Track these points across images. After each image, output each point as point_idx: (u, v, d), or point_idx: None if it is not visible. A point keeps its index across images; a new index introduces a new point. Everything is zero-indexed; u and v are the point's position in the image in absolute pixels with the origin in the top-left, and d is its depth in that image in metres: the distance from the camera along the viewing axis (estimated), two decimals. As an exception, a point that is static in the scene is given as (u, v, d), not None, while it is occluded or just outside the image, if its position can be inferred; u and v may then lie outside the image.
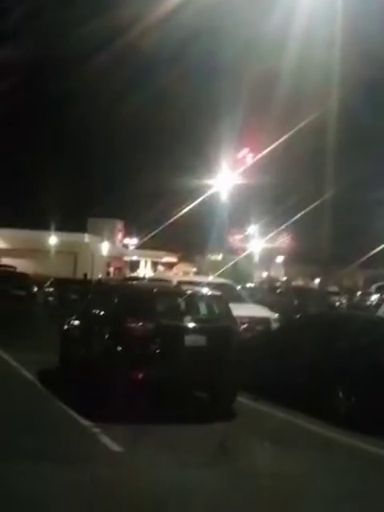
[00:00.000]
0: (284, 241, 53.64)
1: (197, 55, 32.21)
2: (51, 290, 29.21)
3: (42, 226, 50.42)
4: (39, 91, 38.58)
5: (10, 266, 40.69)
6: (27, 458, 6.18)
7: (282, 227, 46.94)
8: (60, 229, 51.16)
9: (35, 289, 28.66)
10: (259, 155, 38.08)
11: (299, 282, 44.53)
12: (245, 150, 42.31)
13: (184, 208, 39.62)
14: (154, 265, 63.72)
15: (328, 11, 14.59)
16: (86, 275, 35.88)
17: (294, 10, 15.56)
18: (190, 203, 39.33)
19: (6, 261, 46.90)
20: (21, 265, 42.00)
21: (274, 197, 46.23)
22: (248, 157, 41.86)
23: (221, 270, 36.10)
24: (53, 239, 52.15)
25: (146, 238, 50.69)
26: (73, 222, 51.76)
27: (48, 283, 30.28)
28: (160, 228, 42.75)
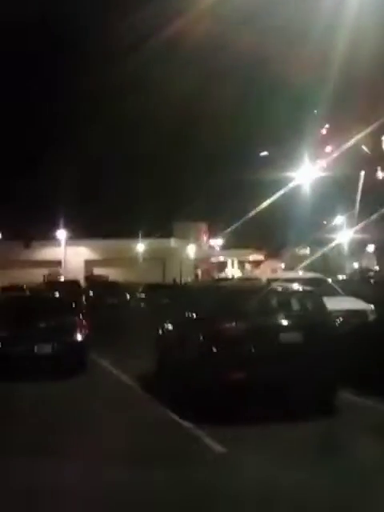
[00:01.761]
0: (374, 230, 51.92)
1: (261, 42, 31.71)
2: (143, 296, 29.79)
3: (130, 234, 51.62)
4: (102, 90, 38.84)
5: (103, 276, 42.00)
6: (131, 462, 6.35)
7: (372, 217, 45.57)
8: (147, 236, 52.15)
9: (128, 296, 29.35)
10: (342, 147, 37.14)
11: (393, 271, 42.93)
12: (327, 143, 41.39)
13: (266, 203, 39.34)
14: (241, 264, 63.55)
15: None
16: (174, 280, 36.36)
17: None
18: (273, 197, 39.00)
19: (98, 271, 48.41)
20: (112, 274, 43.24)
21: (360, 188, 44.96)
22: (330, 149, 40.92)
23: (308, 263, 35.47)
24: (141, 246, 53.27)
25: (228, 233, 50.51)
26: (159, 228, 52.57)
27: (139, 290, 30.90)
28: (242, 224, 42.57)
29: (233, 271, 59.72)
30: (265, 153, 48.12)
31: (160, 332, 10.91)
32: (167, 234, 56.33)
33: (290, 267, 43.04)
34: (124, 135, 44.86)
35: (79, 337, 11.70)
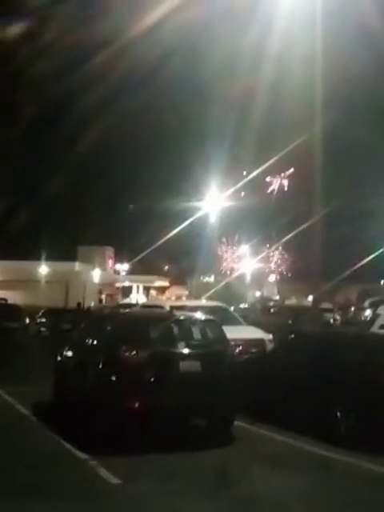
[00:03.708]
0: (276, 260, 53.76)
1: (175, 76, 32.53)
2: (43, 320, 28.99)
3: (32, 256, 50.23)
4: (16, 111, 38.36)
5: (1, 298, 40.31)
6: (23, 494, 6.06)
7: (274, 247, 47.27)
8: (50, 258, 50.97)
9: (27, 320, 28.44)
10: (249, 176, 38.37)
11: (293, 301, 44.53)
12: (237, 174, 42.43)
13: (173, 231, 39.84)
14: (147, 290, 63.49)
15: (306, 29, 14.65)
16: (79, 304, 35.63)
17: (271, 28, 15.65)
18: (179, 226, 39.56)
19: (-3, 293, 46.55)
20: (12, 296, 41.60)
21: (265, 218, 46.63)
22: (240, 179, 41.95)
23: (212, 292, 36.11)
24: (43, 269, 51.92)
25: (135, 260, 50.70)
26: (62, 251, 51.57)
27: (40, 314, 30.06)
28: (149, 251, 42.78)
29: (137, 297, 59.50)
30: (131, 206, 49.28)
31: (59, 358, 10.63)
32: (71, 257, 55.35)
33: (194, 295, 43.56)
34: (35, 157, 44.10)
35: None
